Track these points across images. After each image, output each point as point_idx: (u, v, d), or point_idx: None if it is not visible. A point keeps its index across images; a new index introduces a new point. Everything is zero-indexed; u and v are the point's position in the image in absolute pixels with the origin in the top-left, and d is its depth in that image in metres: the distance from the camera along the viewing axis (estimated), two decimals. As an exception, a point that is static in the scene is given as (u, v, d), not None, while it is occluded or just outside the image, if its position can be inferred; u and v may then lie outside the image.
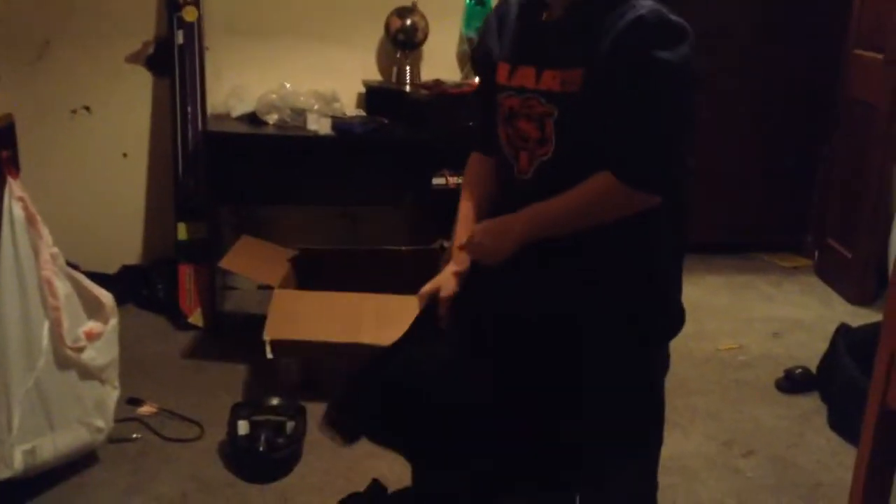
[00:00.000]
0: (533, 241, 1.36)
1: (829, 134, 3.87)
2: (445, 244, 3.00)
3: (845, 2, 3.69)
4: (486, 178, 1.52)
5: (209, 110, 3.24)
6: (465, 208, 1.53)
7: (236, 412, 2.37)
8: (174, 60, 3.14)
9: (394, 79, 3.39)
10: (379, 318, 2.66)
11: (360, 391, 1.52)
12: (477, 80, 1.73)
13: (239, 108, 3.25)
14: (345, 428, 1.49)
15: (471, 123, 1.68)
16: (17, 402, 1.98)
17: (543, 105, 1.33)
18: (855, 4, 3.65)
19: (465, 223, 1.50)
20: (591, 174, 1.31)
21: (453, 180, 3.12)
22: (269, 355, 2.59)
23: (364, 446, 2.43)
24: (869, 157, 3.52)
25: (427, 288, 1.52)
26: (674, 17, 1.27)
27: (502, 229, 1.39)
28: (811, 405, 2.75)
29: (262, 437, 2.27)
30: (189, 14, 3.14)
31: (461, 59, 3.47)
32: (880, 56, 3.43)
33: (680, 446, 2.44)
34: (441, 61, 3.44)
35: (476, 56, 1.57)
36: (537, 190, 1.36)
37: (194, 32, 3.15)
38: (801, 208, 4.09)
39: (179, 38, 3.14)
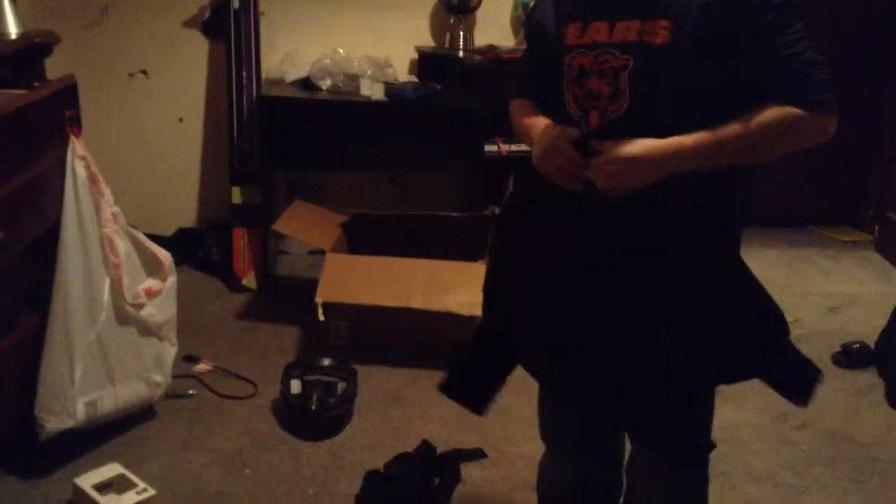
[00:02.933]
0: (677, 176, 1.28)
1: (887, 103, 3.73)
2: (496, 210, 2.99)
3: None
4: (536, 110, 1.48)
5: (263, 75, 3.27)
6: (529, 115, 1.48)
7: (289, 372, 2.42)
8: (230, 25, 3.16)
9: (447, 44, 3.37)
10: (429, 284, 2.67)
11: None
12: (523, 51, 1.69)
13: (293, 74, 3.26)
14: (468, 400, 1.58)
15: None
16: (80, 356, 2.04)
17: (618, 58, 1.30)
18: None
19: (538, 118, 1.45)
20: (666, 128, 1.27)
21: (505, 147, 3.10)
22: (321, 317, 2.62)
23: (413, 408, 2.46)
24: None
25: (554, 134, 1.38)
26: None
27: (664, 148, 1.26)
28: (868, 380, 2.69)
29: (314, 397, 2.31)
30: (245, -21, 3.15)
31: (515, 25, 3.43)
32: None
33: (732, 417, 2.41)
34: (495, 27, 3.41)
35: (530, 22, 1.53)
36: None
37: (250, -3, 3.16)
38: (862, 180, 3.96)
39: (235, 2, 3.16)
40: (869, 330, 2.87)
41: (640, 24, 1.28)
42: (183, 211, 3.52)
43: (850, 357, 2.77)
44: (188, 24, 3.34)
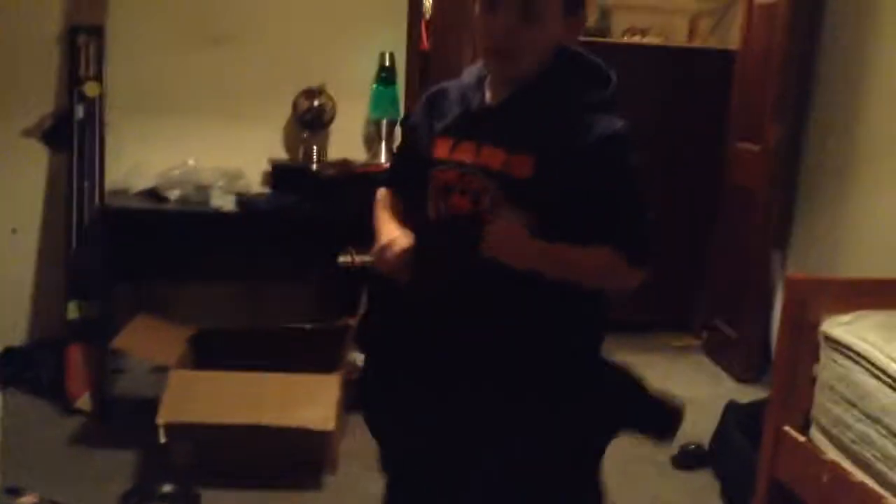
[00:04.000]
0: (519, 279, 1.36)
1: (714, 220, 4.11)
2: (351, 322, 2.99)
3: (726, 100, 3.98)
4: (398, 209, 1.57)
5: (108, 186, 3.17)
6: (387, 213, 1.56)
7: (125, 500, 2.26)
8: (73, 135, 3.08)
9: (301, 157, 3.42)
10: (282, 398, 2.61)
11: None
12: (396, 145, 1.78)
13: (139, 184, 3.19)
14: None
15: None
16: None
17: (481, 180, 1.38)
18: (734, 102, 3.94)
19: (391, 219, 1.53)
20: None
21: (359, 258, 3.13)
22: (163, 439, 2.49)
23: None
24: (750, 241, 3.75)
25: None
26: (627, 125, 1.39)
27: (523, 237, 1.35)
28: (705, 480, 2.83)
29: (153, 527, 2.16)
30: (91, 89, 3.10)
31: (368, 140, 3.53)
32: (757, 147, 3.70)
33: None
34: (348, 141, 3.50)
35: (407, 122, 1.62)
36: None
37: (95, 108, 3.10)
38: (690, 290, 4.29)
39: (79, 112, 3.09)
40: (704, 430, 3.02)
41: (506, 155, 1.36)
42: (11, 328, 3.28)
43: (688, 458, 2.90)
44: (28, 133, 3.22)
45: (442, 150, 1.44)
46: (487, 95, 1.45)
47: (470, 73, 1.50)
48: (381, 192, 1.62)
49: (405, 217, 1.52)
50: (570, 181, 1.34)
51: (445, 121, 1.46)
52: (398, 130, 3.49)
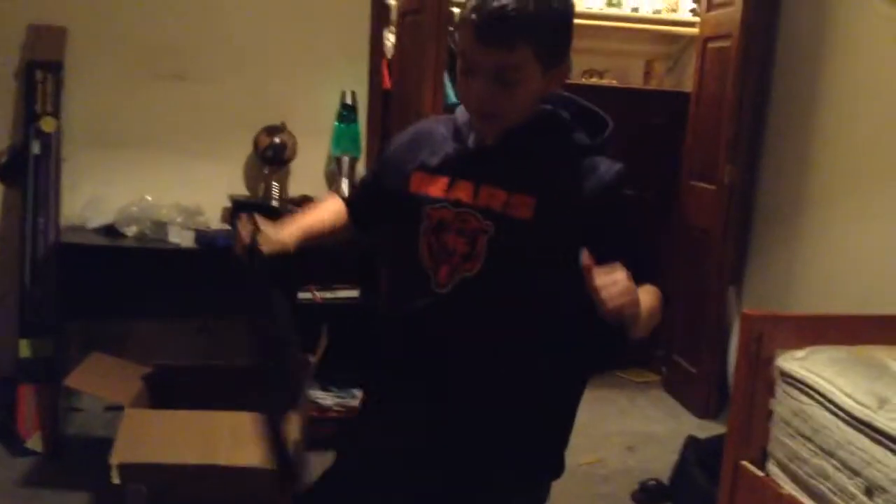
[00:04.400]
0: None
1: (670, 258, 4.17)
2: (311, 359, 2.96)
3: (680, 140, 4.07)
4: (338, 216, 1.61)
5: (63, 222, 3.12)
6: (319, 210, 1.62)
7: (76, 544, 2.19)
8: (28, 170, 3.03)
9: (261, 193, 3.40)
10: (236, 437, 2.55)
11: None
12: (363, 177, 1.78)
13: (96, 220, 3.14)
14: None
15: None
16: None
17: (480, 221, 1.36)
18: (688, 142, 4.04)
19: (317, 212, 1.61)
20: (511, 292, 1.35)
21: (319, 295, 3.11)
22: (116, 480, 2.42)
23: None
24: (706, 278, 3.81)
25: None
26: (624, 168, 1.40)
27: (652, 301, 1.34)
28: (666, 516, 2.84)
29: (105, 571, 2.09)
30: (47, 124, 3.06)
31: (329, 177, 3.54)
32: (712, 186, 3.78)
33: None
34: (309, 177, 3.49)
35: (386, 156, 1.57)
36: (454, 305, 1.37)
37: (51, 143, 3.06)
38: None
39: (35, 148, 3.05)
40: (663, 466, 3.05)
41: (506, 195, 1.35)
42: (-41, 366, 3.19)
43: (648, 494, 2.91)
44: (-20, 167, 3.16)
45: (439, 188, 1.40)
46: (471, 138, 1.43)
47: (463, 113, 1.46)
48: (329, 196, 1.66)
49: (390, 259, 1.53)
50: (572, 224, 1.33)
51: (438, 158, 1.43)
52: (359, 167, 3.51)
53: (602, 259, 1.21)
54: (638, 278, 1.27)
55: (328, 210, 1.63)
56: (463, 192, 1.38)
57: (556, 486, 3.16)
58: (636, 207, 1.46)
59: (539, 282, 1.35)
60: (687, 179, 4.03)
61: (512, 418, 1.41)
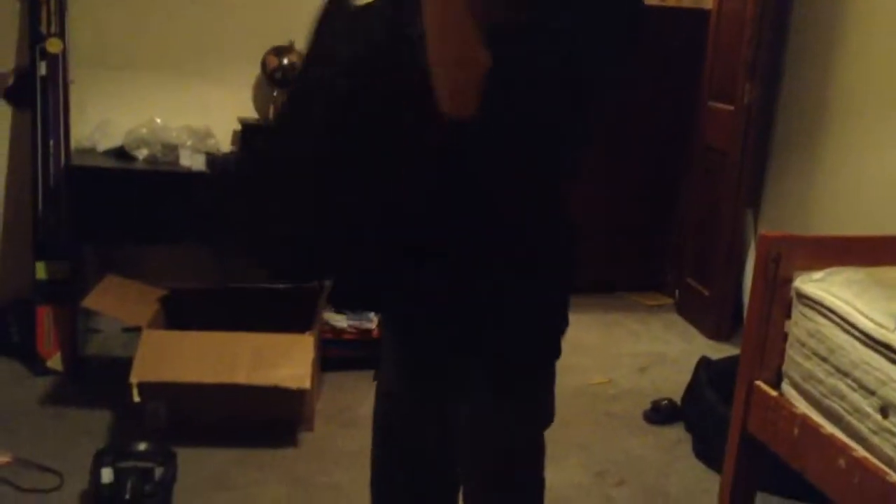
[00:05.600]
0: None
1: (686, 180, 4.13)
2: (324, 282, 2.97)
3: (700, 59, 3.97)
4: None
5: (73, 144, 3.10)
6: None
7: (99, 459, 2.24)
8: (36, 93, 2.99)
9: (271, 116, 3.36)
10: (254, 358, 2.59)
11: None
12: None
13: (105, 143, 3.12)
14: None
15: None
16: None
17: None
18: (707, 61, 3.94)
19: None
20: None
21: (331, 219, 3.10)
22: (136, 399, 2.47)
23: (239, 492, 2.35)
24: (722, 201, 3.77)
25: None
26: None
27: None
28: (677, 435, 2.88)
29: (128, 485, 2.15)
30: (53, 45, 3.01)
31: (339, 99, 3.48)
32: (730, 107, 3.71)
33: (555, 477, 2.47)
34: (319, 100, 3.44)
35: None
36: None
37: (58, 64, 3.01)
38: (662, 250, 4.32)
39: (42, 69, 3.00)
40: (676, 387, 3.08)
41: None
42: (-22, 289, 3.22)
43: (660, 413, 2.95)
44: (-11, 89, 3.13)
45: None
46: None
47: None
48: None
49: None
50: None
51: None
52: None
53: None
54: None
55: None
56: None
57: (566, 404, 3.22)
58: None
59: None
60: (705, 100, 3.95)
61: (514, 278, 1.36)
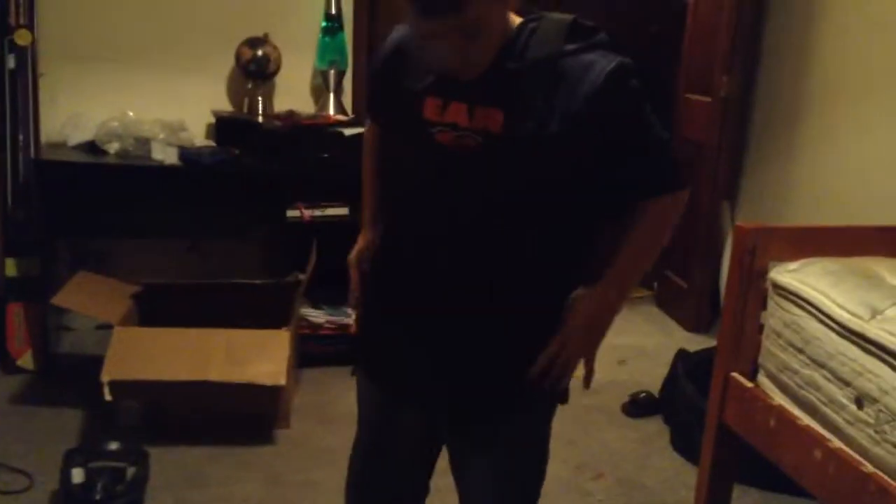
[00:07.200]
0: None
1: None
2: (301, 277, 2.94)
3: (676, 51, 3.97)
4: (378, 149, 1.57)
5: (43, 138, 3.05)
6: (372, 179, 1.58)
7: (70, 459, 2.20)
8: (4, 86, 2.93)
9: (245, 109, 3.32)
10: (228, 354, 2.56)
11: None
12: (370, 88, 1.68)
13: (76, 137, 3.07)
14: None
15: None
16: None
17: (480, 143, 1.29)
18: (685, 53, 3.93)
19: (370, 174, 1.58)
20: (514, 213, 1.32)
21: (308, 213, 3.07)
22: (108, 397, 2.43)
23: (212, 489, 2.32)
24: (699, 193, 3.77)
25: (354, 255, 1.56)
26: (623, 59, 1.32)
27: (598, 314, 1.43)
28: (655, 428, 2.87)
29: (99, 485, 2.11)
30: (21, 37, 2.95)
31: (315, 91, 3.44)
32: (707, 99, 3.71)
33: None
34: (294, 92, 3.40)
35: (374, 73, 1.49)
36: (459, 220, 1.35)
37: (27, 57, 2.96)
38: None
39: (11, 62, 2.94)
40: (653, 379, 3.07)
41: (503, 115, 1.27)
42: (-54, 286, 3.16)
43: (638, 406, 2.95)
44: (-45, 82, 3.06)
45: (430, 110, 1.31)
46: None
47: None
48: (368, 131, 1.58)
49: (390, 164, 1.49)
50: (571, 129, 1.26)
51: (426, 79, 1.32)
52: (346, 81, 3.42)
53: (614, 177, 1.31)
54: (651, 191, 1.34)
55: (374, 158, 1.57)
56: (458, 115, 1.30)
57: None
58: (644, 99, 1.35)
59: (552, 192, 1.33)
60: (682, 91, 3.94)
61: (510, 331, 1.39)
